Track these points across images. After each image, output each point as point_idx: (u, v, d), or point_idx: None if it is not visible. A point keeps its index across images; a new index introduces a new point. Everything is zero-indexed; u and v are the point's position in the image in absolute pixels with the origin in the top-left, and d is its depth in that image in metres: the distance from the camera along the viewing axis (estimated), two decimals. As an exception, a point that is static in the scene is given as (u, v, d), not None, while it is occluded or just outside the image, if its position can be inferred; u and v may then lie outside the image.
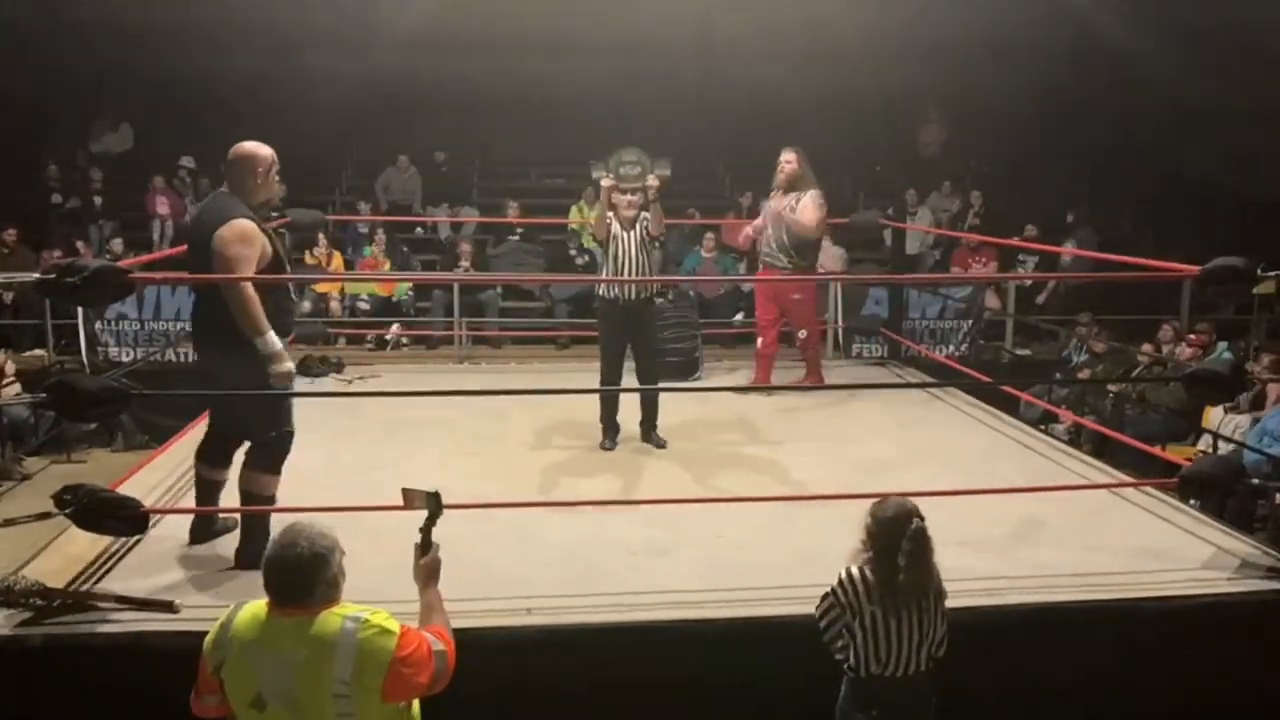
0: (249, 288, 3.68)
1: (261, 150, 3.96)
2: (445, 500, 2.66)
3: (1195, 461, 4.71)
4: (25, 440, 8.34)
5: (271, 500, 3.95)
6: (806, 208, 6.60)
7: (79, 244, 10.67)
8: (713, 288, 9.90)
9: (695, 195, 12.64)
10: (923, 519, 2.94)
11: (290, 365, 3.86)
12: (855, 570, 2.97)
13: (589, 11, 11.16)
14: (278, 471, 3.97)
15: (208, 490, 4.14)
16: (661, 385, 6.99)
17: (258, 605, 2.35)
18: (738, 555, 4.10)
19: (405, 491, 2.69)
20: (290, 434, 3.99)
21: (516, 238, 10.76)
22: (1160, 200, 13.01)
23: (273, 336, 3.75)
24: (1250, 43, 10.99)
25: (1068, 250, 10.63)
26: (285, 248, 4.01)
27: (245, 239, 3.72)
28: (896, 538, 2.89)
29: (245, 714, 2.30)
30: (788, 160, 6.71)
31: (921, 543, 2.91)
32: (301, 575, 2.29)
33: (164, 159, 12.16)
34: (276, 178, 4.06)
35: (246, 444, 4.02)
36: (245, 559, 3.88)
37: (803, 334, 7.01)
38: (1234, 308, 10.76)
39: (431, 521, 2.64)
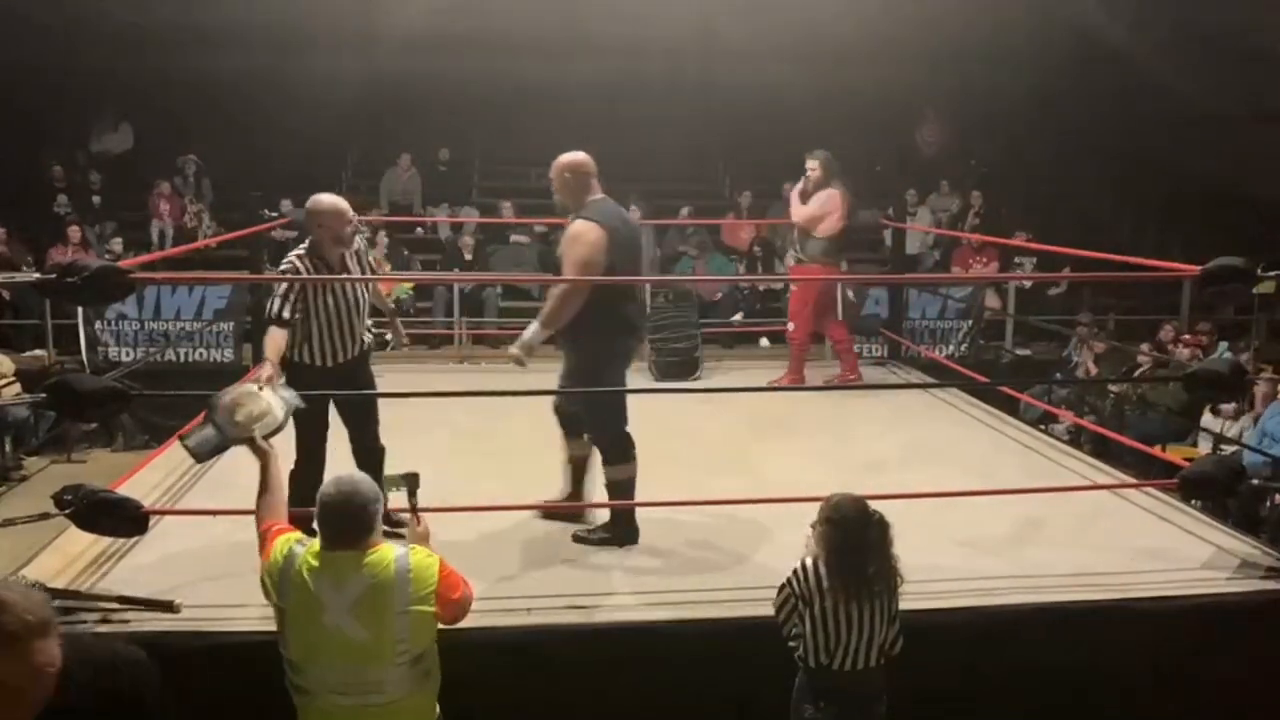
0: None
1: None
2: (445, 501, 2.83)
3: (1195, 462, 4.72)
4: (25, 440, 8.35)
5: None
6: (809, 207, 7.01)
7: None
8: (711, 289, 9.90)
9: (695, 195, 12.65)
10: (877, 512, 3.02)
11: None
12: (810, 562, 3.04)
13: (590, 12, 11.16)
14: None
15: None
16: (659, 386, 7.03)
17: (317, 553, 2.60)
18: (738, 555, 4.10)
19: (385, 477, 3.11)
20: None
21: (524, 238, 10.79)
22: (1160, 200, 13.01)
23: None
24: (1249, 44, 10.99)
25: (1067, 250, 10.64)
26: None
27: None
28: (851, 532, 2.96)
29: (312, 642, 2.55)
30: (811, 168, 7.04)
31: (881, 535, 2.99)
32: (361, 519, 2.60)
33: (164, 159, 12.16)
34: None
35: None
36: None
37: (790, 326, 7.27)
38: (1234, 308, 10.77)
39: (413, 496, 3.05)
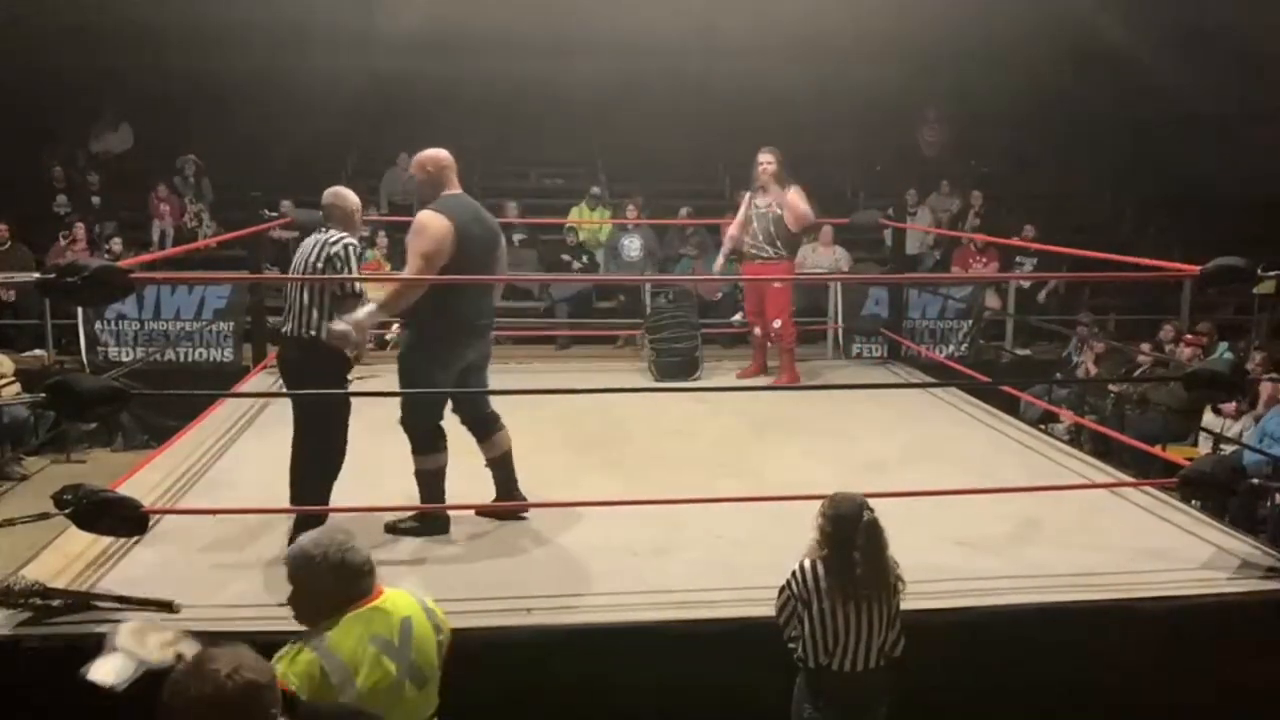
0: None
1: None
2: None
3: (1195, 462, 4.72)
4: (25, 440, 8.35)
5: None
6: (798, 202, 6.97)
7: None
8: (711, 290, 9.89)
9: (695, 195, 12.65)
10: (873, 512, 3.02)
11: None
12: (809, 563, 3.05)
13: (589, 11, 11.18)
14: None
15: None
16: (659, 386, 7.03)
17: (340, 625, 2.40)
18: (738, 555, 4.10)
19: None
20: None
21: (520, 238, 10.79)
22: (1160, 200, 13.02)
23: None
24: (1248, 44, 11.00)
25: (1067, 250, 10.66)
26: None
27: None
28: (850, 532, 2.97)
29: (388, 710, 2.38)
30: (769, 161, 7.06)
31: (876, 535, 2.99)
32: (369, 561, 2.50)
33: (164, 159, 12.16)
34: None
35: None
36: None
37: (776, 324, 7.18)
38: (1234, 308, 10.78)
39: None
